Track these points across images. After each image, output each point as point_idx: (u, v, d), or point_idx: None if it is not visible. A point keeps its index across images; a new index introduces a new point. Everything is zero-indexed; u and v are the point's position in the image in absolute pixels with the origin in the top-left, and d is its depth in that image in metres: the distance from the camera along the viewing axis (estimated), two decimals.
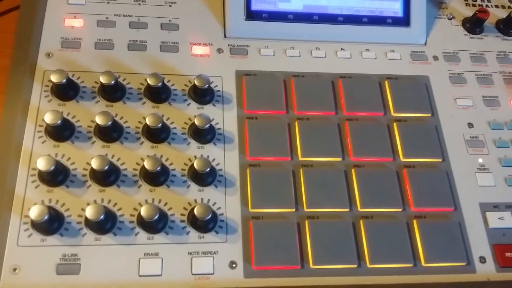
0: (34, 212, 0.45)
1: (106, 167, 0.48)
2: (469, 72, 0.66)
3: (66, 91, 0.54)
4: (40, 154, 0.50)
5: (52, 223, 0.47)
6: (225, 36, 0.62)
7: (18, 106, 0.52)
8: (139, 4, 0.61)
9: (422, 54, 0.66)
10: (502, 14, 0.71)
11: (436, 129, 0.61)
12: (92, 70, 0.56)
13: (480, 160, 0.60)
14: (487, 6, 0.71)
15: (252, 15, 0.63)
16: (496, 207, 0.57)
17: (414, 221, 0.55)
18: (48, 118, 0.49)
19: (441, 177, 0.58)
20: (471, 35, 0.69)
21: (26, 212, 0.48)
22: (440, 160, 0.59)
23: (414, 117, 0.61)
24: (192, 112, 0.56)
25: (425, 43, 0.67)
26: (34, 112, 0.53)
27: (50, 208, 0.47)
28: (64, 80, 0.52)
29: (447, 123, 0.61)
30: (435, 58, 0.66)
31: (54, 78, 0.51)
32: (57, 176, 0.49)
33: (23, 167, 0.50)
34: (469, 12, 0.70)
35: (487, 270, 0.54)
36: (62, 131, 0.51)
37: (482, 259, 0.54)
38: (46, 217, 0.45)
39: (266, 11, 0.63)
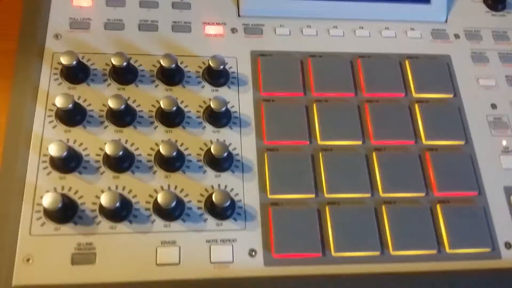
0: (47, 200, 0.43)
1: (121, 153, 0.46)
2: (492, 50, 0.63)
3: (77, 73, 0.51)
4: (51, 140, 0.48)
5: (66, 211, 0.46)
6: (239, 15, 0.60)
7: (27, 90, 0.50)
8: None
9: (443, 32, 0.63)
10: None
11: (459, 110, 0.59)
12: (103, 51, 0.54)
13: (504, 142, 0.58)
14: None
15: None
16: None
17: (438, 206, 0.53)
18: (59, 101, 0.47)
19: (464, 160, 0.56)
20: (493, 12, 0.66)
21: (38, 200, 0.46)
22: (463, 142, 0.57)
23: (436, 98, 0.59)
24: (207, 94, 0.54)
25: (446, 21, 0.64)
26: (43, 96, 0.51)
27: (63, 196, 0.45)
28: (75, 62, 0.49)
29: (470, 104, 0.59)
30: (456, 36, 0.64)
31: (64, 60, 0.49)
32: (69, 162, 0.47)
33: (34, 154, 0.48)
34: None
35: None
36: (73, 115, 0.49)
37: (508, 245, 0.52)
38: (60, 205, 0.43)
39: None
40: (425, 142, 0.56)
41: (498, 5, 0.66)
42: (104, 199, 0.44)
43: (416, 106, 0.58)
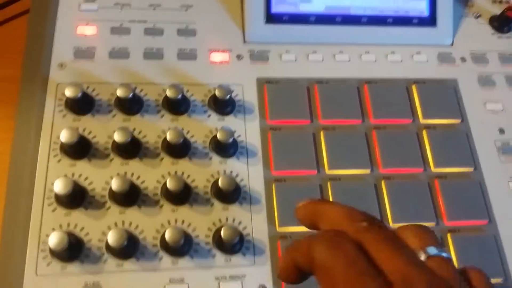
0: (53, 240, 0.42)
1: (127, 188, 0.45)
2: (498, 73, 0.63)
3: (81, 105, 0.51)
4: (55, 174, 0.47)
5: (72, 250, 0.45)
6: (244, 41, 0.59)
7: (31, 123, 0.49)
8: (154, 9, 0.58)
9: (449, 55, 0.63)
10: None
11: (467, 136, 0.58)
12: (108, 81, 0.53)
13: None
14: None
15: (272, 18, 0.59)
16: None
17: (448, 235, 0.52)
18: (64, 136, 0.46)
19: (474, 187, 0.55)
20: (499, 34, 0.66)
21: (44, 238, 0.45)
22: (472, 169, 0.56)
23: (443, 124, 0.58)
24: (213, 124, 0.53)
25: (452, 44, 0.64)
26: (48, 128, 0.50)
27: (69, 234, 0.44)
28: (80, 95, 0.49)
29: (478, 129, 0.59)
30: (463, 59, 0.63)
31: (69, 92, 0.48)
32: (75, 198, 0.46)
33: (39, 189, 0.47)
34: (496, 9, 0.67)
35: None
36: (78, 149, 0.48)
37: None
38: (66, 245, 0.42)
39: (287, 13, 0.60)
40: (434, 169, 0.55)
41: (504, 27, 0.66)
42: (112, 238, 0.43)
43: (424, 132, 0.57)
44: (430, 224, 0.52)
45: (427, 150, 0.56)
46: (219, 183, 0.48)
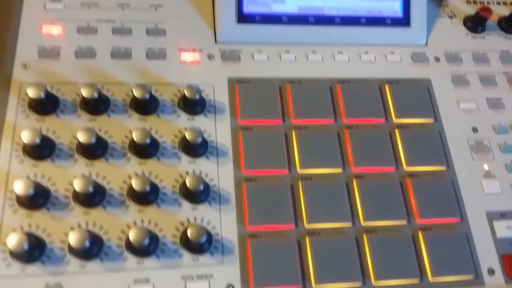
0: (12, 241, 0.41)
1: (90, 188, 0.44)
2: (472, 73, 0.63)
3: (45, 105, 0.50)
4: (17, 175, 0.46)
5: (33, 251, 0.43)
6: (215, 41, 0.58)
7: None
8: (122, 8, 0.57)
9: (423, 55, 0.63)
10: (505, 11, 0.67)
11: (440, 135, 0.58)
12: (73, 81, 0.52)
13: (486, 167, 0.57)
14: (488, 3, 0.68)
15: (244, 18, 0.59)
16: (503, 215, 0.55)
17: (420, 233, 0.52)
18: (26, 137, 0.45)
19: (446, 186, 0.55)
20: (473, 34, 0.66)
21: (4, 239, 0.44)
22: (444, 168, 0.56)
23: (416, 123, 0.58)
24: (182, 124, 0.53)
25: (426, 44, 0.64)
26: (10, 129, 0.49)
27: (29, 235, 0.43)
28: (42, 95, 0.48)
29: (451, 128, 0.58)
30: (437, 59, 0.63)
31: (31, 93, 0.47)
32: (36, 199, 0.45)
33: (0, 190, 0.46)
34: (470, 10, 0.67)
35: (496, 282, 0.51)
36: (41, 150, 0.47)
37: (491, 271, 0.51)
38: (25, 246, 0.41)
39: (259, 13, 0.59)
40: (406, 168, 0.55)
41: (477, 27, 0.66)
42: (73, 239, 0.42)
43: (397, 131, 0.57)
44: (401, 222, 0.52)
45: (399, 149, 0.56)
46: (187, 182, 0.47)
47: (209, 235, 0.47)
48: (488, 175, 0.57)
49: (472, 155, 0.57)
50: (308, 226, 0.50)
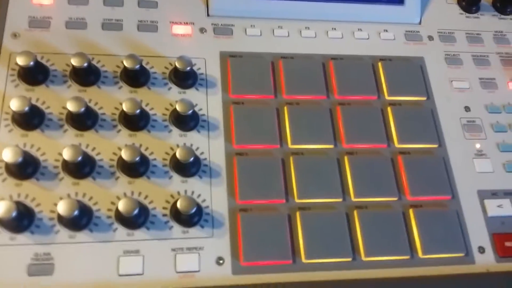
0: (1, 208, 0.41)
1: (79, 158, 0.44)
2: (465, 53, 0.63)
3: (35, 75, 0.49)
4: (6, 145, 0.45)
5: (22, 220, 0.43)
6: (208, 15, 0.58)
7: None
8: None
9: (416, 34, 0.62)
10: None
11: (432, 113, 0.58)
12: (63, 51, 0.52)
13: (478, 146, 0.57)
14: None
15: None
16: (494, 194, 0.55)
17: (410, 210, 0.52)
18: (15, 104, 0.45)
19: (437, 164, 0.55)
20: (467, 14, 0.66)
21: None
22: (436, 145, 0.56)
23: (409, 101, 0.58)
24: (174, 97, 0.52)
25: (420, 23, 0.63)
26: None
27: (18, 204, 0.42)
28: (32, 63, 0.47)
29: (443, 107, 0.58)
30: (430, 38, 0.63)
31: (20, 60, 0.47)
32: (25, 168, 0.45)
33: None
34: None
35: (486, 260, 0.51)
36: (30, 119, 0.47)
37: (481, 249, 0.52)
38: (14, 214, 0.41)
39: None
40: (397, 145, 0.55)
41: (472, 7, 0.66)
42: (62, 208, 0.42)
43: (389, 109, 0.57)
44: (392, 199, 0.52)
45: (391, 127, 0.56)
46: (177, 155, 0.47)
47: (199, 208, 0.47)
48: (480, 154, 0.57)
49: (464, 134, 0.58)
50: (298, 201, 0.50)
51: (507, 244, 0.52)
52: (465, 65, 0.62)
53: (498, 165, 0.56)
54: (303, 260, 0.48)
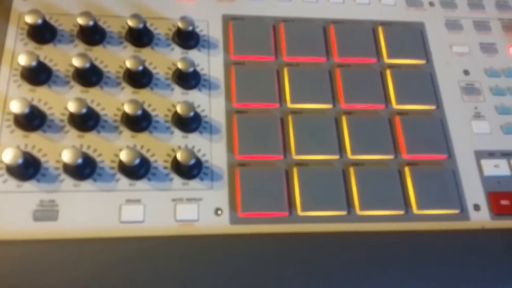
0: (8, 155, 0.43)
1: (84, 110, 0.46)
2: (466, 18, 0.63)
3: (43, 33, 0.51)
4: (15, 98, 0.47)
5: (28, 168, 0.45)
6: None
7: None
8: None
9: (417, 0, 0.63)
10: None
11: (431, 76, 0.58)
12: (71, 13, 0.54)
13: (476, 108, 0.58)
14: None
15: None
16: (491, 154, 0.55)
17: (406, 168, 0.53)
18: (23, 59, 0.47)
19: (435, 124, 0.56)
20: None
21: (0, 157, 0.46)
22: (434, 107, 0.57)
23: (408, 64, 0.59)
24: (176, 57, 0.54)
25: None
26: (9, 55, 0.50)
27: (25, 152, 0.45)
28: (40, 21, 0.49)
29: (442, 70, 0.59)
30: (431, 4, 0.63)
31: (29, 18, 0.49)
32: (33, 120, 0.47)
33: None
34: None
35: (481, 217, 0.52)
36: (38, 74, 0.49)
37: (477, 207, 0.52)
38: (20, 161, 0.43)
39: None
40: (395, 106, 0.56)
41: None
42: (66, 155, 0.44)
43: (388, 71, 0.58)
44: (388, 157, 0.53)
45: (390, 88, 0.57)
46: (178, 109, 0.48)
47: (199, 161, 0.49)
48: (477, 115, 0.57)
49: (463, 97, 0.58)
50: (296, 157, 0.52)
51: (503, 202, 0.53)
52: (466, 30, 0.62)
53: (496, 127, 0.57)
54: (299, 212, 0.49)
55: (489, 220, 0.52)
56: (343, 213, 0.50)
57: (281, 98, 0.54)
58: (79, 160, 0.44)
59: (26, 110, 0.45)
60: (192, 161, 0.46)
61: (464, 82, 0.59)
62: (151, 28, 0.54)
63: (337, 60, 0.57)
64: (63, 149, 0.47)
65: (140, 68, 0.49)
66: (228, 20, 0.57)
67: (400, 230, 0.50)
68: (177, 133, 0.50)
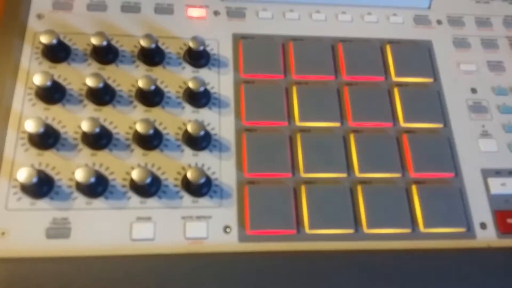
0: (22, 174, 0.44)
1: (97, 130, 0.47)
2: (474, 36, 0.64)
3: (57, 53, 0.52)
4: (29, 117, 0.49)
5: (42, 186, 0.46)
6: None
7: (8, 69, 0.51)
8: None
9: (425, 18, 0.64)
10: None
11: (438, 94, 0.59)
12: (84, 32, 0.55)
13: (483, 126, 0.58)
14: None
15: None
16: (498, 173, 0.56)
17: (413, 186, 0.53)
18: (38, 79, 0.48)
19: (442, 142, 0.56)
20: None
21: (15, 176, 0.47)
22: (441, 125, 0.57)
23: (415, 82, 0.59)
24: (187, 75, 0.55)
25: (429, 7, 0.65)
26: (24, 74, 0.52)
27: (39, 171, 0.46)
28: (55, 41, 0.50)
29: (450, 88, 0.60)
30: (439, 22, 0.64)
31: (44, 38, 0.50)
32: (47, 138, 0.48)
33: (12, 130, 0.49)
34: None
35: (487, 236, 0.52)
36: (52, 93, 0.50)
37: (483, 225, 0.53)
38: (34, 180, 0.44)
39: None
40: (403, 124, 0.57)
41: None
42: (79, 174, 0.45)
43: (396, 89, 0.58)
44: (395, 175, 0.54)
45: (397, 106, 0.58)
46: (188, 127, 0.49)
47: (208, 179, 0.50)
48: (485, 134, 0.58)
49: (470, 115, 0.59)
50: (304, 175, 0.52)
51: (509, 220, 0.53)
52: (473, 48, 0.63)
53: (503, 145, 0.57)
54: (307, 230, 0.50)
55: (496, 238, 0.52)
56: (351, 231, 0.50)
57: (290, 116, 0.55)
58: (92, 179, 0.45)
59: (41, 129, 0.46)
60: (202, 180, 0.47)
61: (472, 100, 0.60)
62: (163, 47, 0.55)
63: (345, 78, 0.58)
64: (76, 167, 0.48)
65: (152, 87, 0.50)
66: (238, 39, 0.58)
67: (407, 248, 0.50)
68: (188, 151, 0.51)
